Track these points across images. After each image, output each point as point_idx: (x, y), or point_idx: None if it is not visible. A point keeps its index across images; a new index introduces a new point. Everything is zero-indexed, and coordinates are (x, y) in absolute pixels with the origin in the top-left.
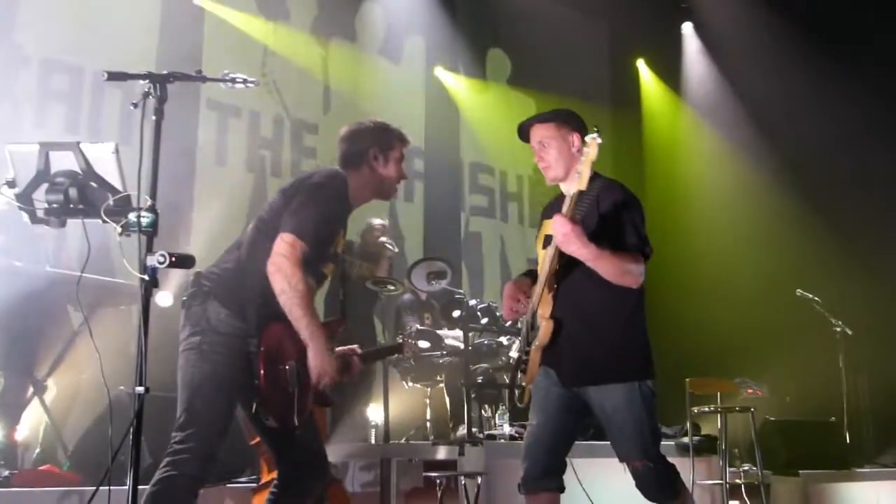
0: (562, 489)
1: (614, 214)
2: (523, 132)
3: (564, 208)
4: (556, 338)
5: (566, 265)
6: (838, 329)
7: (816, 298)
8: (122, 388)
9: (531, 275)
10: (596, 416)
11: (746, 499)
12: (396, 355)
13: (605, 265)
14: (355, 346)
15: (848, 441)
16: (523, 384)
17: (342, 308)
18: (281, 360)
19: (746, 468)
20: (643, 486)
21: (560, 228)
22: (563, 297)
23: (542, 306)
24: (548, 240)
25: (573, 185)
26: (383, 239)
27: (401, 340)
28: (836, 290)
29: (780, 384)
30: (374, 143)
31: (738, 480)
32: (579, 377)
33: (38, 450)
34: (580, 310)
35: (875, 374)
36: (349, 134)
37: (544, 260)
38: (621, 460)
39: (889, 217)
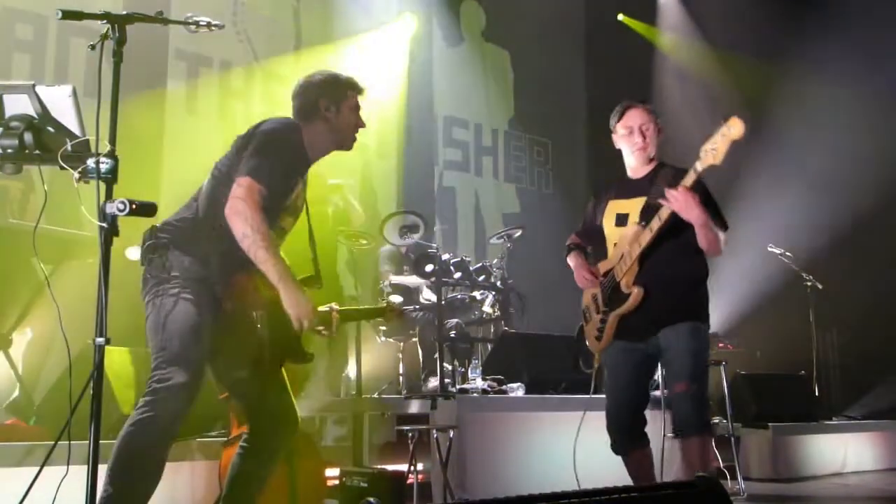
0: (648, 443)
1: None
2: (621, 111)
3: (689, 181)
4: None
5: (655, 240)
6: (809, 284)
7: (788, 253)
8: (89, 341)
9: (581, 245)
10: (663, 356)
11: (716, 451)
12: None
13: (709, 232)
14: (334, 304)
15: (816, 394)
16: (587, 344)
17: (315, 268)
18: (248, 309)
19: (717, 421)
20: (679, 412)
21: (682, 197)
22: (648, 267)
23: (627, 276)
24: (620, 219)
25: (645, 165)
26: (333, 181)
27: (385, 304)
28: (807, 245)
29: (751, 338)
30: (324, 94)
31: None
32: (654, 325)
33: (8, 401)
34: (664, 278)
35: (844, 329)
36: (299, 88)
37: (623, 236)
38: (668, 384)
39: (861, 172)
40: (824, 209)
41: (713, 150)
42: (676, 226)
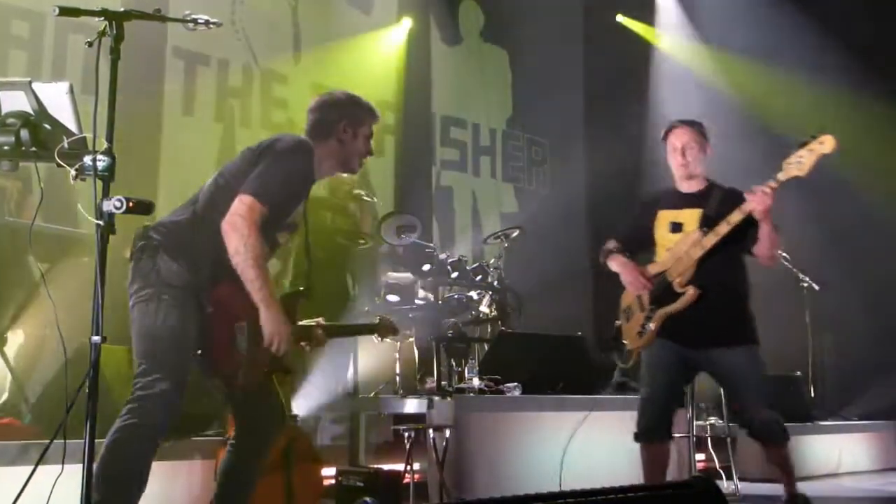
0: (671, 439)
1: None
2: (667, 130)
3: (773, 184)
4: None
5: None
6: (805, 285)
7: (784, 254)
8: (86, 339)
9: (623, 249)
10: (716, 374)
11: (713, 451)
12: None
13: (773, 239)
14: (320, 319)
15: (812, 395)
16: (625, 343)
17: (307, 279)
18: (231, 319)
19: (713, 421)
20: (765, 433)
21: (766, 197)
22: (703, 270)
23: (682, 276)
24: (675, 227)
25: (693, 182)
26: (357, 191)
27: (378, 321)
28: (804, 246)
29: None
30: (346, 116)
31: (705, 434)
32: (708, 335)
33: (2, 400)
34: (718, 281)
35: (840, 330)
36: (320, 104)
37: (679, 241)
38: (745, 413)
39: (859, 172)
40: (821, 210)
41: (799, 163)
42: (733, 237)
